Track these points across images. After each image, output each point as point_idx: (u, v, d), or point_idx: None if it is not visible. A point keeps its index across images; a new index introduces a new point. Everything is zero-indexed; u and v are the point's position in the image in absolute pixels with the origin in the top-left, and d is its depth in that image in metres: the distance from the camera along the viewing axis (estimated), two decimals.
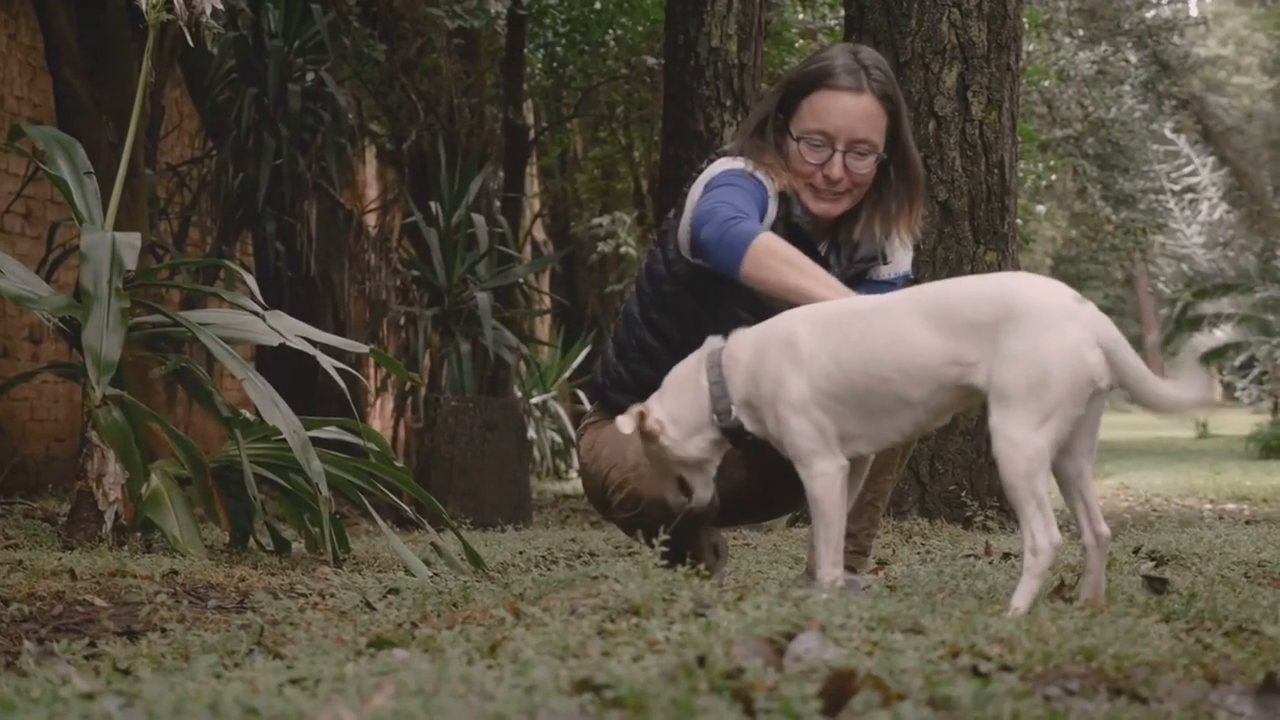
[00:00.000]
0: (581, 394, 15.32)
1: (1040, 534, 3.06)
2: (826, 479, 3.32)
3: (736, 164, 3.74)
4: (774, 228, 3.66)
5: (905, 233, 3.81)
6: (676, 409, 3.48)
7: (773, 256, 3.45)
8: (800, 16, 13.98)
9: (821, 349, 3.30)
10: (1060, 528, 3.12)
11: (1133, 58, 23.67)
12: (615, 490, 3.74)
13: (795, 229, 3.70)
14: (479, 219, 10.71)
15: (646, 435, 3.49)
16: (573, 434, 14.93)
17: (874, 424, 3.32)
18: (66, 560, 4.20)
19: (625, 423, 3.47)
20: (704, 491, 3.52)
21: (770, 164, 3.72)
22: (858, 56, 3.73)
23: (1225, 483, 11.17)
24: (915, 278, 3.88)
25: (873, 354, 3.25)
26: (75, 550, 4.54)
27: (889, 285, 3.79)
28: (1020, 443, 3.05)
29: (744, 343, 3.43)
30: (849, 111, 3.66)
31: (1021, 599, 3.03)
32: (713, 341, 3.50)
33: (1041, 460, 3.06)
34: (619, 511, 3.77)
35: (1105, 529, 3.22)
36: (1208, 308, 21.48)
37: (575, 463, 14.94)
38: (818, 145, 3.67)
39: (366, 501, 5.06)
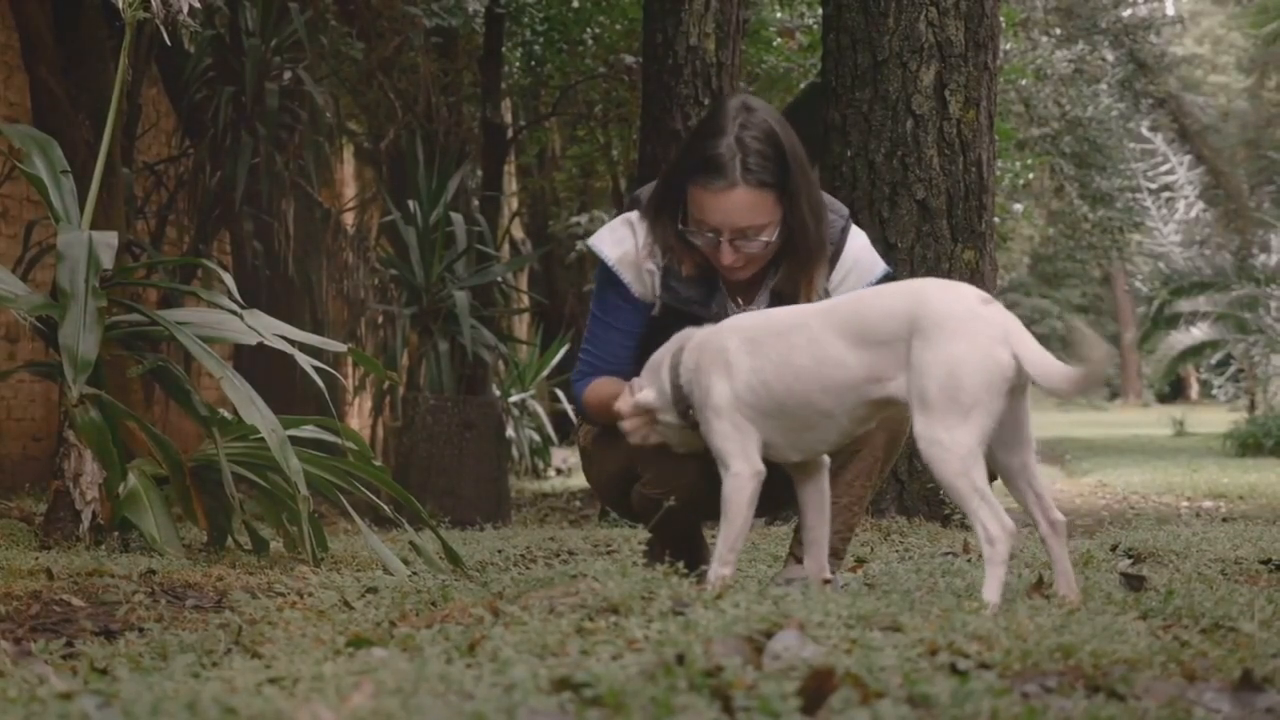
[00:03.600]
0: (560, 392, 15.31)
1: (991, 523, 3.09)
2: (739, 480, 3.39)
3: (622, 249, 3.74)
4: (665, 317, 3.69)
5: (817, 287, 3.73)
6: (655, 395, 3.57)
7: (592, 400, 3.79)
8: (778, 15, 13.98)
9: (747, 363, 3.38)
10: (1023, 525, 3.14)
11: (1109, 56, 23.75)
12: (644, 466, 3.75)
13: (685, 315, 3.68)
14: (457, 217, 10.69)
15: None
16: (551, 432, 14.94)
17: (798, 435, 3.39)
18: (43, 560, 4.19)
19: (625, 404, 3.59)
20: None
21: (672, 245, 3.69)
22: (741, 137, 3.55)
23: (1202, 480, 11.20)
24: (895, 274, 3.87)
25: (795, 373, 3.32)
26: (52, 550, 4.52)
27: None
28: (947, 443, 3.10)
29: (691, 353, 3.48)
30: (725, 210, 3.55)
31: (991, 590, 3.06)
32: (681, 336, 3.53)
33: (974, 455, 3.10)
34: (647, 487, 3.75)
35: (1058, 515, 3.25)
36: (1184, 306, 21.53)
37: (554, 462, 14.98)
38: (706, 234, 3.60)
39: (345, 500, 5.06)
